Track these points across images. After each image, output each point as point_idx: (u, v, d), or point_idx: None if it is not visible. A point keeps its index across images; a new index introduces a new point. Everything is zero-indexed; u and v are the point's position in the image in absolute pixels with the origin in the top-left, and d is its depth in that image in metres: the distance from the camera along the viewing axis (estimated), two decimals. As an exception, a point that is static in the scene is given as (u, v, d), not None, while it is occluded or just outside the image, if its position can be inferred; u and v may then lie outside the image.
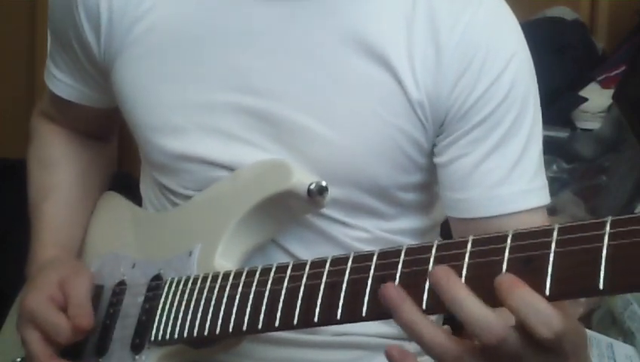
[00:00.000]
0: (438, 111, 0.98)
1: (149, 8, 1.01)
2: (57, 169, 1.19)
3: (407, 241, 1.05)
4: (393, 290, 0.73)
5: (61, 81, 1.14)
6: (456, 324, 0.72)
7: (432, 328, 0.71)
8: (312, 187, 0.94)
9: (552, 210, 1.89)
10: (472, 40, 0.96)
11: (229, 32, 0.99)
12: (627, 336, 1.57)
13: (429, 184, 1.05)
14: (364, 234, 1.04)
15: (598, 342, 1.55)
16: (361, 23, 0.97)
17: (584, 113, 2.14)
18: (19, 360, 1.10)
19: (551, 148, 1.99)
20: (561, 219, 1.84)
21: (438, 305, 0.71)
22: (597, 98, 2.13)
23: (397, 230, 1.06)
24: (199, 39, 1.00)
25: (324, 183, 0.94)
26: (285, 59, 0.98)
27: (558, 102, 2.10)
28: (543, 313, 0.67)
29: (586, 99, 2.13)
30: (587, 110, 2.14)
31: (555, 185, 1.97)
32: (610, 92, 2.09)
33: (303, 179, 0.95)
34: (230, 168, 1.01)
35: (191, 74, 1.01)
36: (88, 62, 1.08)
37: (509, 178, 0.98)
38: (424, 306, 0.73)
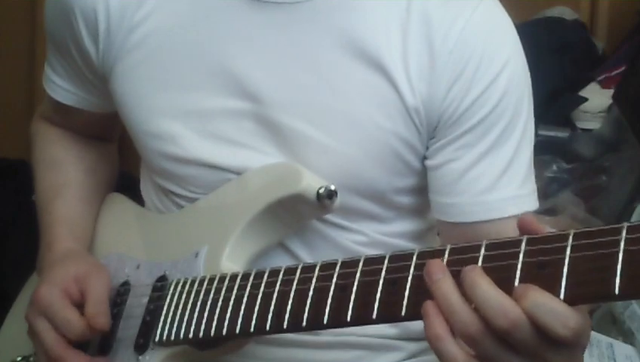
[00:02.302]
0: (431, 116, 0.98)
1: (146, 16, 1.01)
2: (65, 168, 1.19)
3: (405, 244, 1.06)
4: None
5: (60, 87, 1.14)
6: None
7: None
8: (322, 191, 0.94)
9: (552, 210, 1.90)
10: (466, 46, 0.96)
11: (225, 39, 0.99)
12: (627, 336, 1.57)
13: (425, 187, 1.05)
14: (362, 237, 1.04)
15: (598, 342, 1.55)
16: (356, 28, 0.97)
17: (584, 113, 2.14)
18: (19, 359, 1.10)
19: (551, 148, 1.99)
20: (562, 219, 1.84)
21: None
22: (597, 98, 2.13)
23: (395, 233, 1.06)
24: (196, 46, 1.00)
25: (333, 187, 0.95)
26: (282, 66, 0.98)
27: (558, 102, 2.10)
28: (559, 313, 0.67)
29: (586, 99, 2.13)
30: (587, 110, 2.14)
31: (555, 185, 1.98)
32: (610, 92, 2.09)
33: (312, 183, 0.95)
34: (233, 171, 1.01)
35: (188, 80, 1.01)
36: (87, 69, 1.08)
37: (497, 184, 0.98)
38: None
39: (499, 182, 0.98)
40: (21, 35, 2.34)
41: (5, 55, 2.37)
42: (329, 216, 1.01)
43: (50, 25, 1.10)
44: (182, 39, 1.01)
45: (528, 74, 1.01)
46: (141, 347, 0.98)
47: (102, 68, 1.06)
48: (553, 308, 0.67)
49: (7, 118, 2.34)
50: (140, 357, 0.97)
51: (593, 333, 1.57)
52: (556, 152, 2.03)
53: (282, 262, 0.95)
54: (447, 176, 0.99)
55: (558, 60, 2.17)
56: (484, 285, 0.70)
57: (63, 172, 1.19)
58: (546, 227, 0.98)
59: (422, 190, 1.05)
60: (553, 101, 2.08)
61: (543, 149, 1.93)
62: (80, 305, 1.00)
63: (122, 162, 1.29)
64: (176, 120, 1.02)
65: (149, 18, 1.02)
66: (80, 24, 1.03)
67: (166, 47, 1.01)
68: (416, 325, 1.05)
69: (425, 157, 1.01)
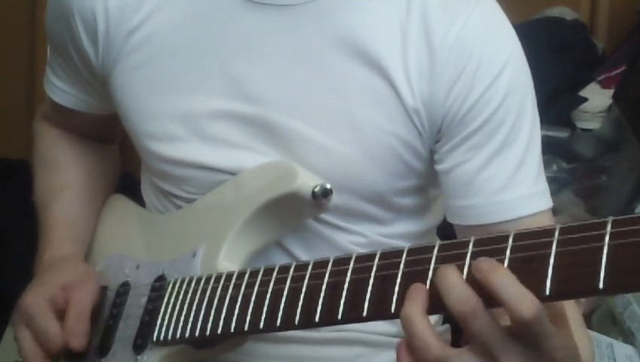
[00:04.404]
0: (434, 118, 0.98)
1: (146, 18, 1.02)
2: (65, 170, 1.19)
3: (405, 245, 1.05)
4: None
5: (61, 90, 1.14)
6: (457, 324, 0.72)
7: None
8: (317, 190, 0.94)
9: (552, 210, 1.89)
10: (465, 46, 0.96)
11: (224, 41, 0.99)
12: (627, 336, 1.57)
13: (424, 188, 1.05)
14: (361, 238, 1.04)
15: (598, 342, 1.55)
16: (356, 30, 0.97)
17: (584, 113, 2.14)
18: (21, 360, 1.10)
19: (551, 148, 1.99)
20: (562, 219, 1.84)
21: (439, 307, 0.72)
22: (597, 98, 2.14)
23: (394, 234, 1.06)
24: (195, 48, 1.00)
25: (328, 186, 0.95)
26: (281, 67, 0.98)
27: (558, 102, 2.10)
28: (523, 293, 0.67)
29: (586, 99, 2.14)
30: (587, 110, 2.14)
31: (555, 185, 1.97)
32: (610, 92, 2.09)
33: (307, 181, 0.95)
34: (231, 173, 1.01)
35: (187, 82, 1.01)
36: (87, 72, 1.08)
37: (510, 183, 0.98)
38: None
39: (512, 181, 0.98)
40: (21, 35, 2.34)
41: (5, 55, 2.38)
42: (328, 217, 1.01)
43: (50, 27, 1.10)
44: (181, 41, 1.01)
45: (529, 73, 1.01)
46: (139, 347, 0.98)
47: (101, 70, 1.06)
48: (517, 289, 0.67)
49: (7, 118, 2.35)
50: (139, 357, 0.98)
51: (593, 333, 1.57)
52: (556, 152, 2.02)
53: (281, 262, 0.95)
54: (459, 179, 0.99)
55: (558, 60, 2.17)
56: (451, 274, 0.71)
57: (62, 174, 1.19)
58: (543, 216, 0.98)
59: (421, 191, 1.05)
60: (553, 101, 2.08)
61: (543, 149, 1.93)
62: (64, 314, 1.00)
63: (123, 162, 1.29)
64: (174, 122, 1.02)
65: (149, 20, 1.02)
66: (79, 26, 1.04)
67: (165, 49, 1.02)
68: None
69: (434, 162, 1.01)
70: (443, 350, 0.70)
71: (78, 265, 1.09)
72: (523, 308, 0.67)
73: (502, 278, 0.68)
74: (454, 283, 0.70)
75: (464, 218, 1.01)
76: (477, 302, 0.69)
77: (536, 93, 1.02)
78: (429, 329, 0.71)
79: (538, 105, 1.02)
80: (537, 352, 0.69)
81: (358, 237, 1.04)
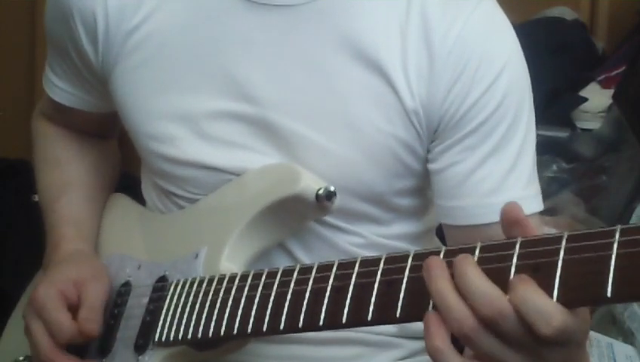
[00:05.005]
0: (431, 119, 0.98)
1: (145, 18, 1.02)
2: (68, 167, 1.19)
3: (403, 246, 1.06)
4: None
5: (60, 88, 1.14)
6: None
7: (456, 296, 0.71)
8: (321, 192, 0.95)
9: (552, 210, 1.89)
10: (465, 48, 0.96)
11: (224, 41, 0.99)
12: (627, 336, 1.57)
13: (423, 189, 1.05)
14: (360, 239, 1.04)
15: (598, 342, 1.55)
16: (356, 32, 0.97)
17: (584, 113, 2.14)
18: (21, 358, 1.10)
19: (551, 148, 1.99)
20: (562, 219, 1.84)
21: None
22: (597, 98, 2.13)
23: (392, 235, 1.06)
24: (195, 48, 1.00)
25: (332, 188, 0.95)
26: (282, 68, 0.98)
27: (558, 102, 2.10)
28: (544, 311, 0.66)
29: (586, 99, 2.13)
30: (587, 110, 2.14)
31: (555, 185, 1.97)
32: (610, 92, 2.09)
33: (311, 183, 0.95)
34: (233, 173, 1.01)
35: (187, 82, 1.01)
36: (87, 71, 1.08)
37: (502, 185, 0.98)
38: (430, 307, 0.73)
39: (504, 183, 0.98)
40: (21, 35, 2.34)
41: (5, 55, 2.37)
42: (327, 218, 1.01)
43: (49, 27, 1.10)
44: (181, 41, 1.01)
45: (528, 75, 1.01)
46: (141, 347, 0.98)
47: (101, 69, 1.06)
48: (538, 305, 0.67)
49: (7, 118, 2.35)
50: (140, 358, 0.98)
51: (593, 333, 1.57)
52: (556, 152, 2.02)
53: (281, 262, 0.95)
54: (451, 180, 0.99)
55: (558, 60, 2.17)
56: (472, 274, 0.69)
57: (66, 171, 1.19)
58: (533, 219, 0.97)
59: (420, 192, 1.05)
60: (553, 101, 2.08)
61: (543, 149, 1.93)
62: (76, 309, 1.00)
63: (123, 162, 1.29)
64: (174, 122, 1.02)
65: (149, 20, 1.02)
66: (79, 26, 1.04)
67: (166, 49, 1.02)
68: (416, 323, 1.06)
69: (427, 161, 1.01)
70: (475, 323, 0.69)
71: (92, 261, 1.09)
72: (542, 328, 0.66)
73: (523, 292, 0.67)
74: (477, 283, 0.69)
75: (454, 218, 1.01)
76: (504, 303, 0.68)
77: (535, 93, 1.02)
78: (461, 302, 0.70)
79: (537, 106, 1.02)
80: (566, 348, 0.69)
81: (357, 238, 1.04)
